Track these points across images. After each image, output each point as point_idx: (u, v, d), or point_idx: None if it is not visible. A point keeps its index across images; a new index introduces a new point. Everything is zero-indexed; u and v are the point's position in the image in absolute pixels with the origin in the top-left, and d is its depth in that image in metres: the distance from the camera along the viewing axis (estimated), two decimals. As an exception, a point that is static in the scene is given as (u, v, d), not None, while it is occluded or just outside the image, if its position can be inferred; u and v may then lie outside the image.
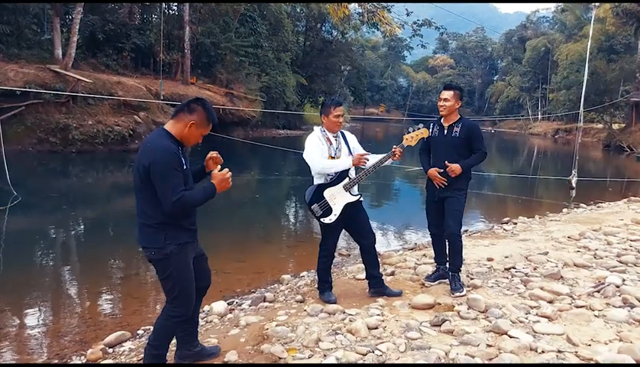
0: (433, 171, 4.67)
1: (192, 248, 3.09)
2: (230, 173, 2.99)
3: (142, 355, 3.62)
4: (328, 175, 4.25)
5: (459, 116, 4.73)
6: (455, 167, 4.52)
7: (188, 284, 3.03)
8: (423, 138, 4.54)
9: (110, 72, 21.38)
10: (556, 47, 56.79)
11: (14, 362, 3.96)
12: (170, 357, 3.31)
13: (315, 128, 4.41)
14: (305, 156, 4.30)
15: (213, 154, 3.17)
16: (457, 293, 4.52)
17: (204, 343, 3.52)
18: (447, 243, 4.78)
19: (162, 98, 20.47)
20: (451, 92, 4.65)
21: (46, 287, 5.87)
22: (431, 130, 4.75)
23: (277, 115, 31.87)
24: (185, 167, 2.92)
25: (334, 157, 4.26)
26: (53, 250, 7.54)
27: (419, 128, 4.49)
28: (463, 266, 5.02)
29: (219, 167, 3.11)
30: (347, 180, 4.27)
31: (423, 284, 4.87)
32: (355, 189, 4.33)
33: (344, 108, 5.19)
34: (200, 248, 3.25)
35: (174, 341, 3.32)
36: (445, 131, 4.69)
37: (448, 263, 4.79)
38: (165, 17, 25.21)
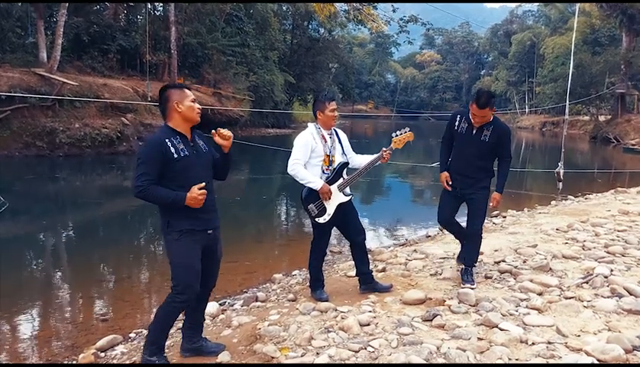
0: (444, 178, 4.69)
1: (201, 237, 3.13)
2: (203, 194, 2.99)
3: (135, 358, 3.63)
4: (324, 173, 4.27)
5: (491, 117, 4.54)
6: (498, 198, 4.62)
7: (187, 271, 3.09)
8: (409, 141, 4.55)
9: (96, 74, 21.18)
10: (541, 41, 57.23)
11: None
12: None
13: (310, 124, 4.38)
14: (292, 154, 4.28)
15: (220, 131, 3.23)
16: (469, 285, 4.51)
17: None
18: (465, 239, 4.81)
19: (149, 99, 20.31)
20: (487, 109, 4.37)
21: (37, 292, 5.83)
22: (458, 123, 4.63)
23: (266, 114, 31.78)
24: (177, 155, 3.01)
25: (329, 155, 4.28)
26: (42, 255, 7.48)
27: (406, 132, 4.49)
28: (452, 260, 5.20)
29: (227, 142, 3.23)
30: (341, 180, 4.29)
31: (411, 283, 4.87)
32: (347, 189, 4.37)
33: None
34: (215, 247, 3.28)
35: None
36: (474, 131, 4.53)
37: (464, 258, 4.77)
38: (150, 17, 25.04)
